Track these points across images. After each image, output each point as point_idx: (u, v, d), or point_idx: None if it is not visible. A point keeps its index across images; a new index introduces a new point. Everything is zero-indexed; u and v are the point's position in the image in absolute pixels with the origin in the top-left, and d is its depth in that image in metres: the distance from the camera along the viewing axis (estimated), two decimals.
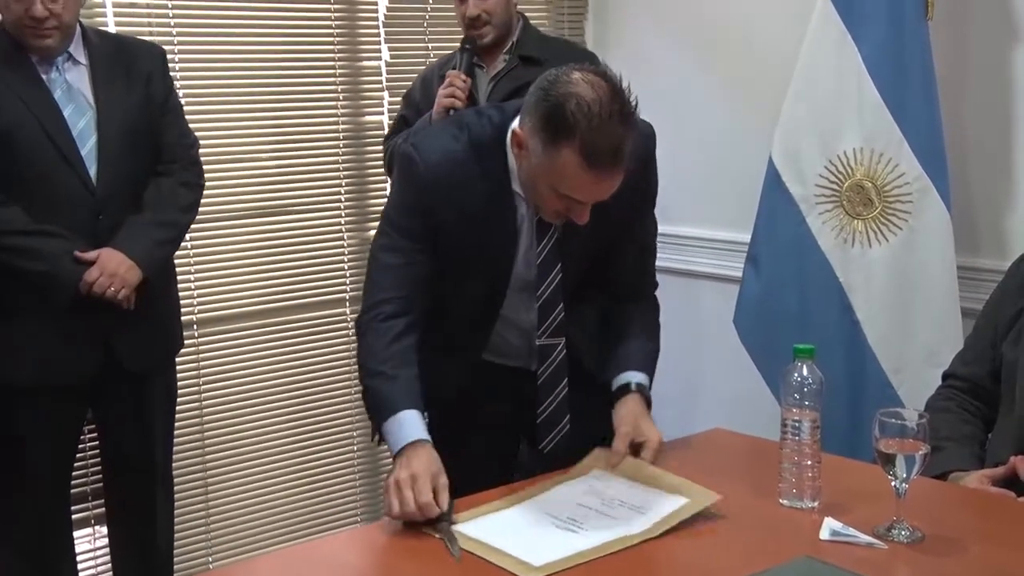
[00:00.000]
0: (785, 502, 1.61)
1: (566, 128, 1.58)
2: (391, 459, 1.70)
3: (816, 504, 1.59)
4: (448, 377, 1.88)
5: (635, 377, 1.86)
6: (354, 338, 3.17)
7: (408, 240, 1.78)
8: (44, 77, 2.28)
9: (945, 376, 2.06)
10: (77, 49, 2.32)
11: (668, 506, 1.59)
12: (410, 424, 1.68)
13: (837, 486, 1.63)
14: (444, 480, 1.61)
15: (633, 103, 1.63)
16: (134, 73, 2.38)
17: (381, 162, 2.95)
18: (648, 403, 1.85)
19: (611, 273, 1.92)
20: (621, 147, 1.60)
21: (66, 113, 2.29)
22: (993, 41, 2.48)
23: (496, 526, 1.58)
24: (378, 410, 1.74)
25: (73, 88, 2.31)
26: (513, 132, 1.71)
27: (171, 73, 2.51)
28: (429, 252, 1.78)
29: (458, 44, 2.69)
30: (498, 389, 1.91)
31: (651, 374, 1.90)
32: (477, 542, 1.52)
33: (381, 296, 1.78)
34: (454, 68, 2.61)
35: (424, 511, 1.56)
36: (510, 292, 1.84)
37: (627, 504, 1.63)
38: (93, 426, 2.58)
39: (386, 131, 2.91)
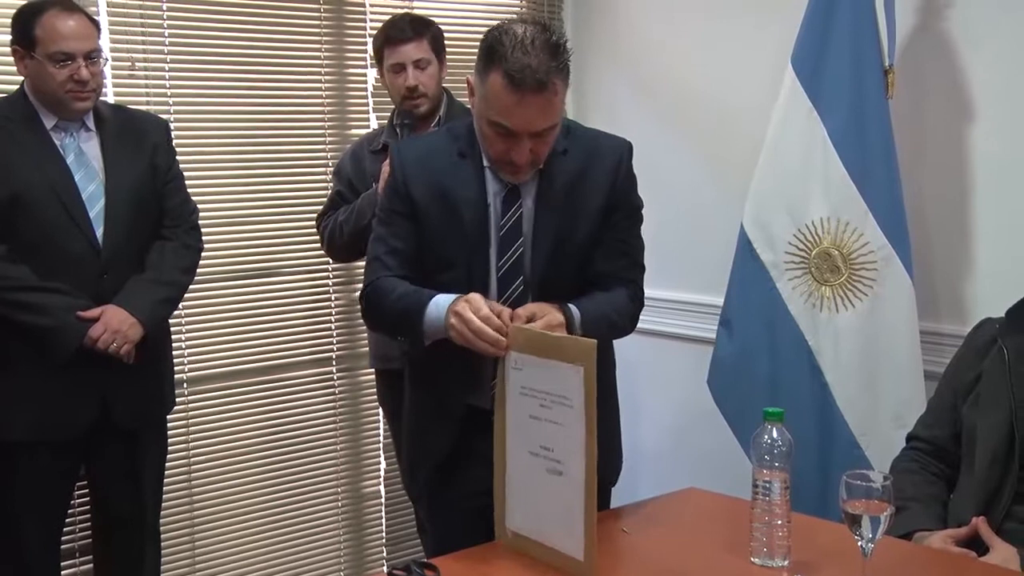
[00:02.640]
0: (756, 560, 1.66)
1: (494, 56, 1.73)
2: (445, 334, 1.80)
3: (786, 563, 1.64)
4: (437, 439, 1.95)
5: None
6: (341, 396, 3.29)
7: (395, 225, 1.91)
8: (57, 143, 2.38)
9: (909, 438, 2.12)
10: (88, 118, 2.43)
11: (576, 385, 1.58)
12: (444, 298, 1.79)
13: (807, 545, 1.68)
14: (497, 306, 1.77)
15: (564, 41, 1.76)
16: (142, 144, 2.48)
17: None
18: (565, 313, 1.79)
19: (590, 275, 1.95)
20: (543, 71, 1.71)
21: (77, 178, 2.38)
22: (948, 118, 2.59)
23: (519, 500, 1.72)
24: (414, 314, 1.82)
25: (85, 154, 2.41)
26: (466, 81, 1.85)
27: (172, 142, 2.61)
28: (415, 232, 1.89)
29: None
30: (486, 454, 1.91)
31: (588, 310, 1.84)
32: (528, 540, 1.68)
33: (379, 274, 1.91)
34: (382, 143, 2.74)
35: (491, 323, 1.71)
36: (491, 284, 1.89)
37: (552, 397, 1.63)
38: (81, 482, 2.61)
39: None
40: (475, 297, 1.75)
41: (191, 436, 3.00)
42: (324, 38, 3.13)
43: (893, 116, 2.53)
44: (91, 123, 2.43)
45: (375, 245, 1.95)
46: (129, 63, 2.81)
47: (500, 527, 1.76)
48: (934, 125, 2.64)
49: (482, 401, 1.91)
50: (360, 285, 3.16)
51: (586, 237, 1.92)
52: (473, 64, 1.84)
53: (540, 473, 1.67)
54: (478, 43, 1.82)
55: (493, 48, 1.74)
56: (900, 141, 2.54)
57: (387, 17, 3.02)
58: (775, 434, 1.65)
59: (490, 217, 1.89)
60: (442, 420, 1.96)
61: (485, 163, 1.88)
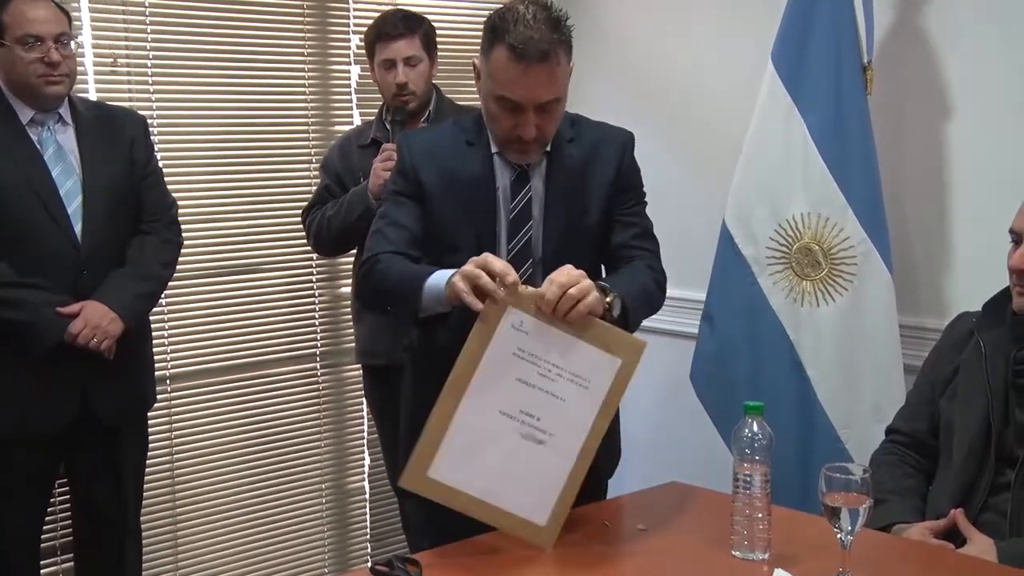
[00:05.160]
0: (737, 553, 1.67)
1: (497, 32, 1.78)
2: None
3: (767, 556, 1.65)
4: None
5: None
6: (325, 392, 3.29)
7: (401, 205, 1.92)
8: (34, 138, 2.37)
9: (888, 431, 2.15)
10: (65, 112, 2.42)
11: (606, 374, 1.67)
12: (443, 272, 1.78)
13: (787, 538, 1.69)
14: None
15: (565, 17, 1.81)
16: (119, 138, 2.47)
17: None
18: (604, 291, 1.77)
19: (606, 251, 2.00)
20: (545, 42, 1.76)
21: (54, 173, 2.37)
22: (927, 114, 2.62)
23: (463, 454, 1.65)
24: (414, 279, 1.82)
25: (62, 148, 2.40)
26: (472, 64, 1.88)
27: (151, 137, 2.60)
28: (421, 215, 1.91)
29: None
30: None
31: (623, 289, 1.82)
32: (467, 497, 1.64)
33: (381, 247, 1.91)
34: (370, 138, 2.77)
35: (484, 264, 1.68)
36: None
37: (565, 373, 1.67)
38: (62, 479, 2.61)
39: None
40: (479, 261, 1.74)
41: (174, 433, 3.00)
42: (307, 34, 3.13)
43: (872, 112, 2.55)
44: (68, 117, 2.42)
45: (378, 220, 1.98)
46: (111, 60, 2.79)
47: (414, 472, 1.67)
48: (912, 121, 2.66)
49: None
50: (344, 281, 3.23)
51: (596, 218, 1.97)
52: (457, 61, 1.86)
53: (508, 435, 1.67)
54: (464, 39, 1.85)
55: (495, 26, 1.80)
56: (879, 137, 2.56)
57: (370, 13, 3.03)
58: (755, 428, 1.66)
59: (498, 200, 1.93)
60: None
61: (493, 149, 1.93)
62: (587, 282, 1.70)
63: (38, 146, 2.37)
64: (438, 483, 1.68)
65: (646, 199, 2.08)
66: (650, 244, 2.05)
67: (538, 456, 1.66)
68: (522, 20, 1.76)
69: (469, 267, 1.69)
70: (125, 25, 2.82)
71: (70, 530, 2.71)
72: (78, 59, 2.48)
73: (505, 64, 1.78)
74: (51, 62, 2.31)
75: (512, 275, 1.68)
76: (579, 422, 1.67)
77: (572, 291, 1.68)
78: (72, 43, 2.38)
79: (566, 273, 1.70)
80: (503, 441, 1.68)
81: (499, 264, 1.68)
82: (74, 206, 2.38)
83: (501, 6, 1.85)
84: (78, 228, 2.38)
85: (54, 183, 2.36)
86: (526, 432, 1.67)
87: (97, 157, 2.43)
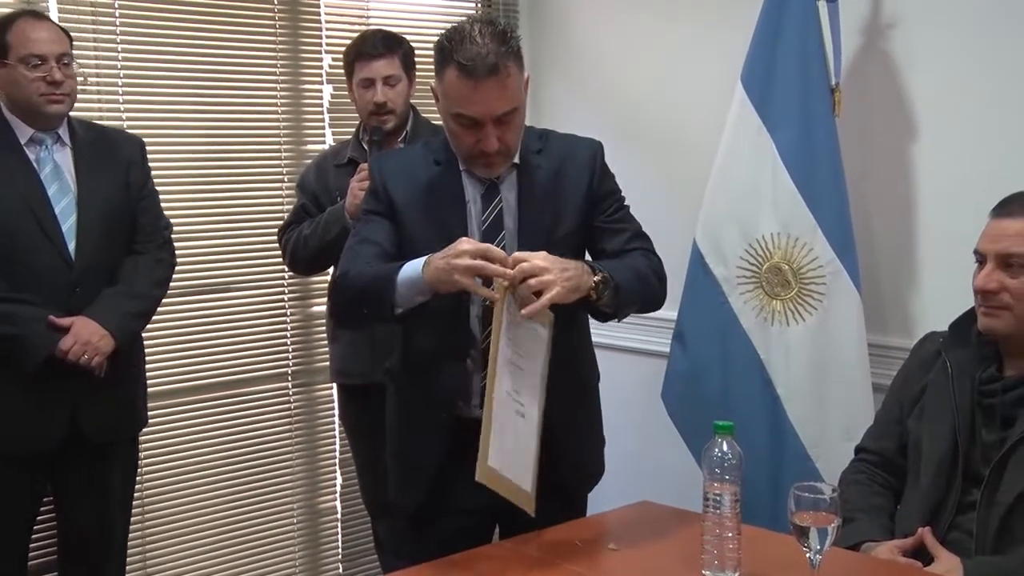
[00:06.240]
0: (707, 573, 1.67)
1: (446, 53, 1.81)
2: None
3: (736, 575, 1.65)
4: (427, 448, 1.96)
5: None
6: (297, 411, 3.27)
7: (372, 223, 1.95)
8: (32, 157, 2.39)
9: (857, 450, 2.16)
10: (64, 132, 2.44)
11: (541, 343, 1.82)
12: (416, 260, 1.81)
13: (757, 557, 1.70)
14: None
15: (511, 29, 1.84)
16: (116, 160, 2.50)
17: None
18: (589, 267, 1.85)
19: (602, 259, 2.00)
20: (493, 55, 1.79)
21: (50, 191, 2.38)
22: (893, 135, 2.65)
23: (499, 438, 1.72)
24: (387, 275, 1.84)
25: (59, 167, 2.42)
26: (430, 89, 1.92)
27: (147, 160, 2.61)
28: (393, 232, 1.94)
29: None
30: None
31: (609, 270, 1.87)
32: (500, 476, 1.72)
33: (355, 264, 1.93)
34: (347, 158, 2.77)
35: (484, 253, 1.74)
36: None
37: (520, 348, 1.78)
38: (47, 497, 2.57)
39: None
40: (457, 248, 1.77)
41: (144, 452, 2.96)
42: (280, 54, 3.13)
43: (840, 133, 2.58)
44: (66, 137, 2.45)
45: (350, 239, 2.00)
46: (81, 78, 2.77)
47: (481, 464, 1.72)
48: (879, 142, 2.69)
49: (466, 410, 1.94)
50: (317, 300, 3.22)
51: (572, 227, 1.98)
52: (429, 76, 1.89)
53: (511, 415, 1.75)
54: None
55: (444, 47, 1.83)
56: (847, 157, 2.59)
57: (343, 33, 3.04)
58: (725, 447, 1.66)
59: (470, 213, 1.94)
60: (427, 432, 1.98)
61: (461, 167, 1.95)
62: (550, 277, 1.74)
63: (35, 164, 2.39)
64: (492, 470, 1.71)
65: (626, 202, 2.09)
66: (645, 243, 2.07)
67: (522, 428, 1.75)
68: (468, 38, 1.80)
69: (465, 260, 1.72)
70: (95, 43, 2.81)
71: (50, 550, 2.67)
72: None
73: (457, 82, 1.81)
74: (53, 81, 2.34)
75: (508, 258, 1.75)
76: (532, 389, 1.79)
77: (532, 282, 1.73)
78: (73, 63, 2.41)
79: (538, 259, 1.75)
80: (509, 420, 1.75)
81: (497, 250, 1.76)
82: (68, 224, 2.39)
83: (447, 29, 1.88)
84: (72, 246, 2.39)
85: (49, 201, 2.38)
86: (517, 409, 1.76)
87: (93, 177, 2.44)
